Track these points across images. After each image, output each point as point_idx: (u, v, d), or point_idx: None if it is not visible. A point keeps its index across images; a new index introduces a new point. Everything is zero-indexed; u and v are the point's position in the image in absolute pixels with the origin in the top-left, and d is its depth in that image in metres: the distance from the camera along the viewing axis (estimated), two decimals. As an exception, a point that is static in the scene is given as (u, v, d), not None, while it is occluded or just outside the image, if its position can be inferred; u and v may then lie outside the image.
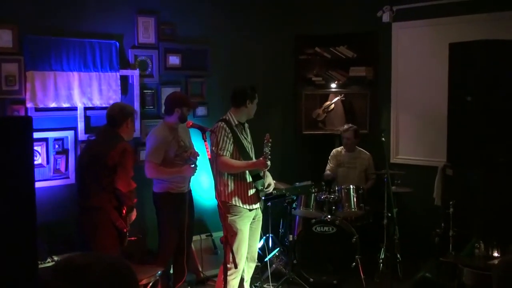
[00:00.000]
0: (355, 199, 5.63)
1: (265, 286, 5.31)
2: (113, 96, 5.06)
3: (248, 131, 4.69)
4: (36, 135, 4.62)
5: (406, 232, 5.60)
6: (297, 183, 5.73)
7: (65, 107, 4.87)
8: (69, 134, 4.94)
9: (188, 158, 4.72)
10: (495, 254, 4.70)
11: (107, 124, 4.36)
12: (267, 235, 5.66)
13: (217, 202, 4.18)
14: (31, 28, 4.66)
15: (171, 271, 5.04)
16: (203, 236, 5.71)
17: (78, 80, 4.89)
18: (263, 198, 4.68)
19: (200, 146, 4.66)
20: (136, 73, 5.30)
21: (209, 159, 4.13)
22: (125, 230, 4.18)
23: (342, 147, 6.33)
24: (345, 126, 6.23)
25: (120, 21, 5.24)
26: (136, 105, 5.23)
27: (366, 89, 6.67)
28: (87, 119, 5.03)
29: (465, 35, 5.37)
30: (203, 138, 4.04)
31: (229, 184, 4.46)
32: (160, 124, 4.88)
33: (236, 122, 4.53)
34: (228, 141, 4.42)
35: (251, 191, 4.51)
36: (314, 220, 5.49)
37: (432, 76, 5.91)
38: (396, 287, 5.13)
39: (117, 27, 5.21)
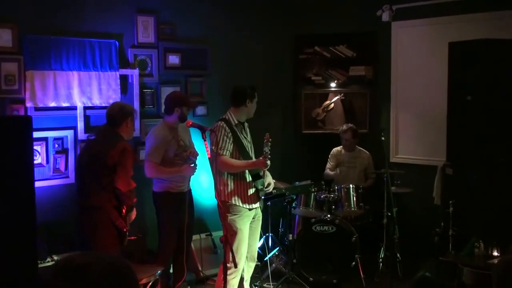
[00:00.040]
0: (354, 199, 5.63)
1: (265, 285, 5.31)
2: (113, 96, 5.06)
3: (248, 130, 4.69)
4: (36, 134, 4.62)
5: (405, 231, 5.60)
6: (297, 183, 5.73)
7: (65, 107, 4.87)
8: (69, 133, 4.94)
9: (188, 157, 4.72)
10: (495, 254, 4.70)
11: (107, 123, 4.36)
12: (267, 234, 5.66)
13: (216, 202, 4.18)
14: (31, 27, 4.66)
15: (171, 271, 5.05)
16: (203, 235, 5.71)
17: (78, 79, 4.89)
18: (263, 197, 4.68)
19: (200, 146, 4.66)
20: (135, 72, 5.30)
21: (209, 158, 4.13)
22: (125, 230, 4.18)
23: (341, 146, 6.33)
24: (344, 127, 6.21)
25: (120, 21, 5.24)
26: (136, 105, 5.23)
27: (365, 89, 6.66)
28: (86, 118, 5.03)
29: (465, 34, 5.36)
30: (202, 138, 4.04)
31: (229, 183, 4.46)
32: (159, 124, 4.88)
33: (236, 122, 4.53)
34: (228, 140, 4.41)
35: (251, 191, 4.51)
36: (314, 220, 5.49)
37: (432, 75, 5.91)
38: (396, 286, 5.13)
39: (116, 26, 5.21)
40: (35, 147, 4.68)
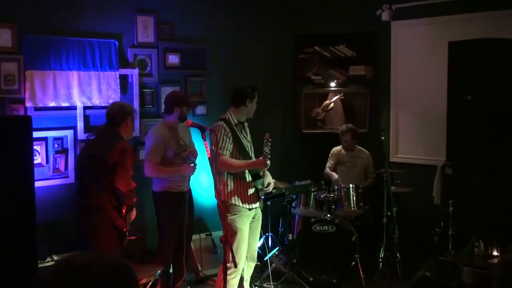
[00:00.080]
0: (354, 198, 5.63)
1: (264, 285, 5.31)
2: (113, 95, 5.06)
3: (247, 130, 4.69)
4: (36, 134, 4.62)
5: (405, 231, 5.60)
6: (297, 182, 5.73)
7: (65, 107, 4.87)
8: (69, 133, 4.94)
9: (187, 157, 4.72)
10: (495, 253, 4.71)
11: (107, 123, 4.36)
12: (267, 234, 5.66)
13: (216, 201, 4.19)
14: (31, 27, 4.66)
15: (171, 270, 5.04)
16: (203, 235, 5.70)
17: (78, 79, 4.89)
18: (262, 197, 4.68)
19: (200, 145, 4.66)
20: (135, 72, 5.30)
21: (209, 158, 4.13)
22: (124, 230, 4.18)
23: (341, 146, 6.33)
24: (343, 127, 6.19)
25: (119, 20, 5.24)
26: (136, 104, 5.23)
27: (365, 88, 6.67)
28: (86, 118, 5.03)
29: (465, 33, 5.36)
30: (202, 137, 4.04)
31: (229, 183, 4.46)
32: (159, 123, 4.88)
33: (236, 121, 4.53)
34: (227, 140, 4.41)
35: (251, 190, 4.51)
36: (314, 219, 5.48)
37: (432, 74, 5.91)
38: (396, 286, 5.12)
39: (116, 26, 5.21)
40: (35, 147, 4.68)
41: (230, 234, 4.26)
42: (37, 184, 4.53)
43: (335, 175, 6.12)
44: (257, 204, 4.60)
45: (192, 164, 4.71)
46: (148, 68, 5.44)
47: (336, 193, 5.62)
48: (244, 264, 4.61)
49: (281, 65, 6.67)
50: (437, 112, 5.69)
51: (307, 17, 6.68)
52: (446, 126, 5.33)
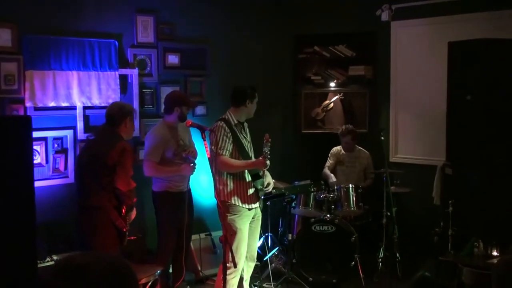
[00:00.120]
0: (354, 198, 5.63)
1: (264, 285, 5.31)
2: (112, 95, 5.06)
3: (247, 130, 4.69)
4: (35, 134, 4.62)
5: (405, 231, 5.61)
6: (297, 182, 5.74)
7: (64, 106, 4.87)
8: (68, 133, 4.94)
9: (187, 157, 4.72)
10: (495, 253, 4.71)
11: (106, 123, 4.36)
12: (267, 234, 5.65)
13: (216, 201, 4.18)
14: (31, 27, 4.66)
15: (170, 270, 5.04)
16: (202, 235, 5.70)
17: (77, 79, 4.89)
18: (262, 197, 4.68)
19: (200, 146, 4.66)
20: (135, 72, 5.30)
21: (208, 158, 4.13)
22: (124, 230, 4.18)
23: (341, 146, 6.33)
24: (343, 129, 6.18)
25: (119, 20, 5.24)
26: (135, 104, 5.23)
27: (365, 88, 6.67)
28: (86, 118, 5.03)
29: (464, 34, 5.36)
30: (202, 138, 4.04)
31: (229, 183, 4.46)
32: (159, 123, 4.88)
33: (236, 122, 4.53)
34: (227, 140, 4.41)
35: (251, 191, 4.51)
36: (313, 219, 5.48)
37: (431, 75, 5.91)
38: (395, 286, 5.13)
39: (116, 26, 5.21)
40: (34, 147, 4.68)
41: (230, 234, 4.25)
42: (37, 184, 4.53)
43: (332, 178, 6.11)
44: (257, 204, 4.60)
45: (192, 164, 4.71)
46: (148, 68, 5.44)
47: (335, 193, 5.62)
48: (244, 264, 4.61)
49: (281, 65, 6.67)
50: (437, 112, 5.69)
51: (307, 17, 6.68)
52: (446, 126, 5.32)
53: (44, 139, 4.79)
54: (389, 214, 5.47)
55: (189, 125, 4.27)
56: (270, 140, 4.37)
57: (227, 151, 4.41)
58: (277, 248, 5.68)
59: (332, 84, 6.78)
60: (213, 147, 4.39)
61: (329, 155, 6.38)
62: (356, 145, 6.27)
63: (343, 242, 5.35)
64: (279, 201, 5.85)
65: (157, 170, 4.68)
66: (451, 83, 5.23)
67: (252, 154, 4.63)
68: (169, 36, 5.57)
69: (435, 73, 5.80)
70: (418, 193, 5.81)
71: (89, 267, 1.41)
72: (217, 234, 5.26)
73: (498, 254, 4.68)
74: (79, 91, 4.90)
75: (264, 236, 5.49)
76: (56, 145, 4.86)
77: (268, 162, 4.38)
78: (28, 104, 4.65)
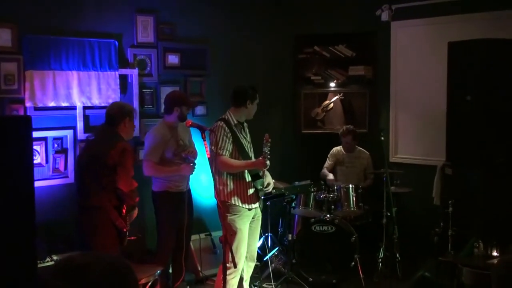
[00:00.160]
0: (354, 199, 5.63)
1: (264, 285, 5.31)
2: (112, 95, 5.06)
3: (247, 130, 4.69)
4: (35, 134, 4.62)
5: (405, 231, 5.60)
6: (296, 182, 5.73)
7: (64, 106, 4.87)
8: (68, 133, 4.94)
9: (186, 157, 4.72)
10: (494, 254, 4.70)
11: (106, 123, 4.36)
12: (266, 234, 5.65)
13: (216, 202, 4.18)
14: (31, 27, 4.66)
15: (170, 270, 5.04)
16: (202, 235, 5.70)
17: (77, 79, 4.89)
18: (262, 197, 4.68)
19: (200, 146, 4.66)
20: (135, 72, 5.30)
21: (208, 158, 4.12)
22: (124, 230, 4.18)
23: (341, 146, 6.33)
24: (344, 129, 6.18)
25: (119, 20, 5.24)
26: (135, 104, 5.23)
27: (365, 88, 6.66)
28: (86, 118, 5.03)
29: (464, 34, 5.36)
30: (202, 138, 4.03)
31: (228, 183, 4.46)
32: (159, 123, 4.89)
33: (235, 122, 4.52)
34: (227, 140, 4.41)
35: (251, 191, 4.51)
36: (313, 220, 5.48)
37: (431, 75, 5.91)
38: (395, 286, 5.13)
39: (116, 26, 5.21)
40: (34, 147, 4.68)
41: (230, 234, 4.25)
42: (37, 184, 4.53)
43: (330, 176, 6.12)
44: (257, 204, 4.59)
45: (191, 164, 4.71)
46: (148, 68, 5.44)
47: (335, 193, 5.62)
48: (244, 264, 4.61)
49: (281, 65, 6.67)
50: (437, 112, 5.69)
51: (307, 17, 6.68)
52: (446, 126, 5.32)
53: (44, 139, 4.79)
54: (389, 214, 5.46)
55: (189, 125, 4.27)
56: (270, 140, 4.37)
57: (227, 151, 4.41)
58: (277, 248, 5.68)
59: (332, 84, 6.78)
60: (213, 147, 4.39)
61: (329, 155, 6.38)
62: (356, 146, 6.27)
63: (343, 242, 5.35)
64: (279, 201, 5.85)
65: (156, 170, 4.68)
66: (451, 83, 5.23)
67: (252, 154, 4.63)
68: (169, 36, 5.57)
69: (435, 73, 5.80)
70: (418, 193, 5.81)
71: (89, 267, 1.41)
72: (217, 234, 5.26)
73: (498, 254, 4.68)
74: (79, 91, 4.90)
75: (264, 236, 5.49)
76: (56, 145, 4.86)
77: (268, 162, 4.38)
78: (28, 104, 4.65)
